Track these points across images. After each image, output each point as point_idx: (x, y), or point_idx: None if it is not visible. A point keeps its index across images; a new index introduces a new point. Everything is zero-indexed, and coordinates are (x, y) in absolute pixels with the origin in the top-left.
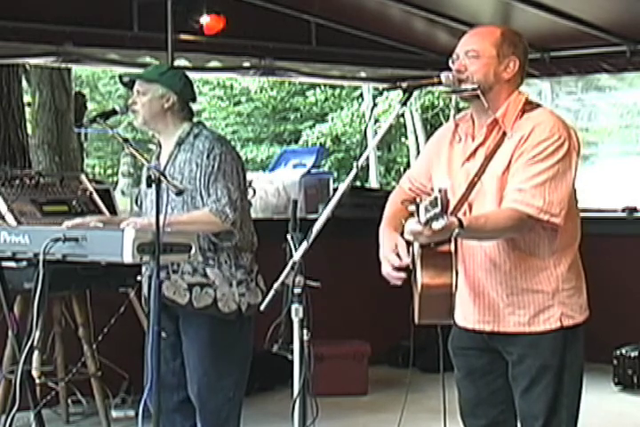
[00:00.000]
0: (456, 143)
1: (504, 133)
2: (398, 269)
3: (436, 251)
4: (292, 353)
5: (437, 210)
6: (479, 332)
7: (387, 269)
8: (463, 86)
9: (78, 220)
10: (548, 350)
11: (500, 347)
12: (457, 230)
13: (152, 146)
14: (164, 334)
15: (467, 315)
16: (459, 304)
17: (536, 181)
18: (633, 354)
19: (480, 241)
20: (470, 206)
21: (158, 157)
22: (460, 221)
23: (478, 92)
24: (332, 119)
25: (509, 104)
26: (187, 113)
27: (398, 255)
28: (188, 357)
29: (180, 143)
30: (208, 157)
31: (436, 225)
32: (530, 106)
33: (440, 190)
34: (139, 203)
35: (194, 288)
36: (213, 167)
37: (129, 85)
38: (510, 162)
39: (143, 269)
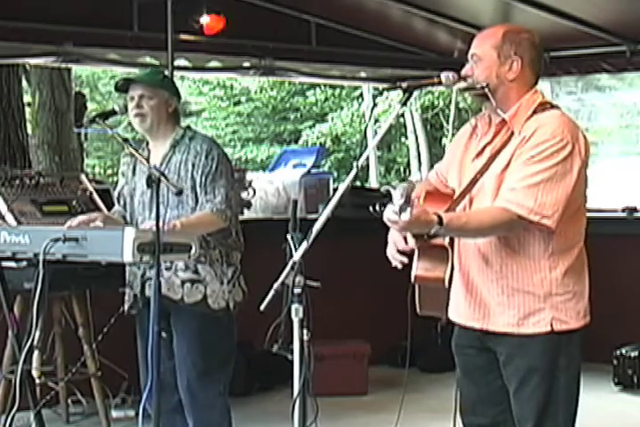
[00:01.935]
0: (473, 140)
1: (512, 133)
2: (402, 253)
3: (431, 244)
4: (292, 353)
5: (402, 201)
6: (470, 329)
7: (391, 251)
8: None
9: (80, 218)
10: (537, 351)
11: (491, 346)
12: (436, 227)
13: None
14: (164, 334)
15: (460, 311)
16: (453, 299)
17: (530, 181)
18: (633, 354)
19: (469, 238)
20: (471, 202)
21: (147, 160)
22: (440, 218)
23: (486, 90)
24: (332, 119)
25: (521, 105)
26: (178, 117)
27: (405, 239)
28: (177, 351)
29: (174, 145)
30: (207, 157)
31: (404, 216)
32: (542, 107)
33: (410, 182)
34: (121, 202)
35: (185, 284)
36: (211, 167)
37: (122, 89)
38: (510, 161)
39: (131, 268)
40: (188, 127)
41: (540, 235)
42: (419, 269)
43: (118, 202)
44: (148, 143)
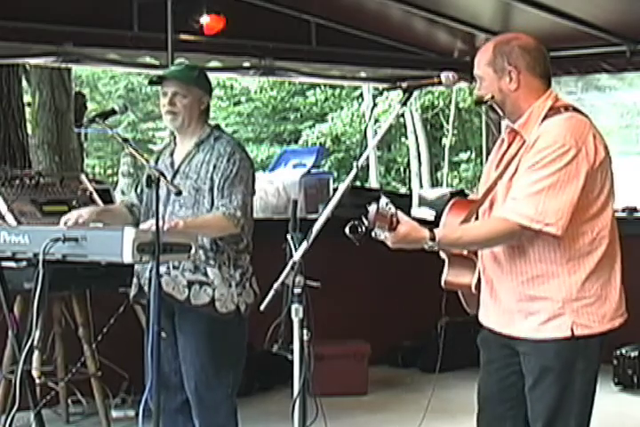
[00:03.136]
0: (501, 149)
1: (525, 141)
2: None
3: (454, 252)
4: (292, 353)
5: (366, 224)
6: (497, 333)
7: None
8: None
9: (74, 215)
10: (552, 351)
11: (512, 345)
12: (429, 243)
13: (152, 146)
14: (163, 334)
15: (487, 316)
16: (482, 305)
17: (532, 189)
18: (633, 354)
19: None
20: (491, 209)
21: (172, 154)
22: (432, 233)
23: (489, 103)
24: (332, 119)
25: (532, 112)
26: (208, 114)
27: None
28: (184, 353)
29: (198, 144)
30: (229, 160)
31: (382, 236)
32: (554, 111)
33: (376, 206)
34: (138, 190)
35: (193, 286)
36: (231, 171)
37: (157, 83)
38: (517, 169)
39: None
40: (217, 126)
41: (554, 241)
42: (448, 275)
43: (135, 190)
44: (175, 137)
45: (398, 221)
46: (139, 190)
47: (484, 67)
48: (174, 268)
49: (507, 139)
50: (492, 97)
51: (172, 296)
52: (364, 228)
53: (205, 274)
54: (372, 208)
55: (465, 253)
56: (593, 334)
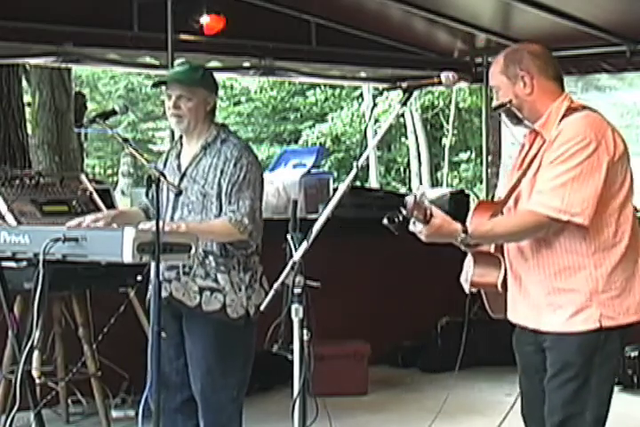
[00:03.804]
0: (522, 153)
1: (545, 140)
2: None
3: (481, 251)
4: (292, 353)
5: (404, 213)
6: (523, 328)
7: (463, 278)
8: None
9: (81, 219)
10: (576, 345)
11: (541, 342)
12: (462, 235)
13: (152, 146)
14: (164, 335)
15: (516, 312)
16: (509, 301)
17: (556, 182)
18: (633, 354)
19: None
20: (516, 206)
21: (179, 156)
22: (464, 226)
23: (508, 106)
24: (332, 119)
25: (550, 113)
26: (214, 114)
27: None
28: (191, 355)
29: (205, 147)
30: (235, 165)
31: (412, 227)
32: (571, 111)
33: (414, 195)
34: (149, 196)
35: (204, 292)
36: (239, 176)
37: (159, 86)
38: (540, 166)
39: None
40: (223, 126)
41: (580, 234)
42: (474, 275)
43: (147, 195)
44: (181, 137)
45: (432, 214)
46: (149, 196)
47: (498, 75)
48: (185, 274)
49: (527, 142)
50: (511, 101)
51: (181, 302)
52: (401, 217)
53: (216, 280)
54: (410, 198)
55: (492, 250)
56: (617, 326)
